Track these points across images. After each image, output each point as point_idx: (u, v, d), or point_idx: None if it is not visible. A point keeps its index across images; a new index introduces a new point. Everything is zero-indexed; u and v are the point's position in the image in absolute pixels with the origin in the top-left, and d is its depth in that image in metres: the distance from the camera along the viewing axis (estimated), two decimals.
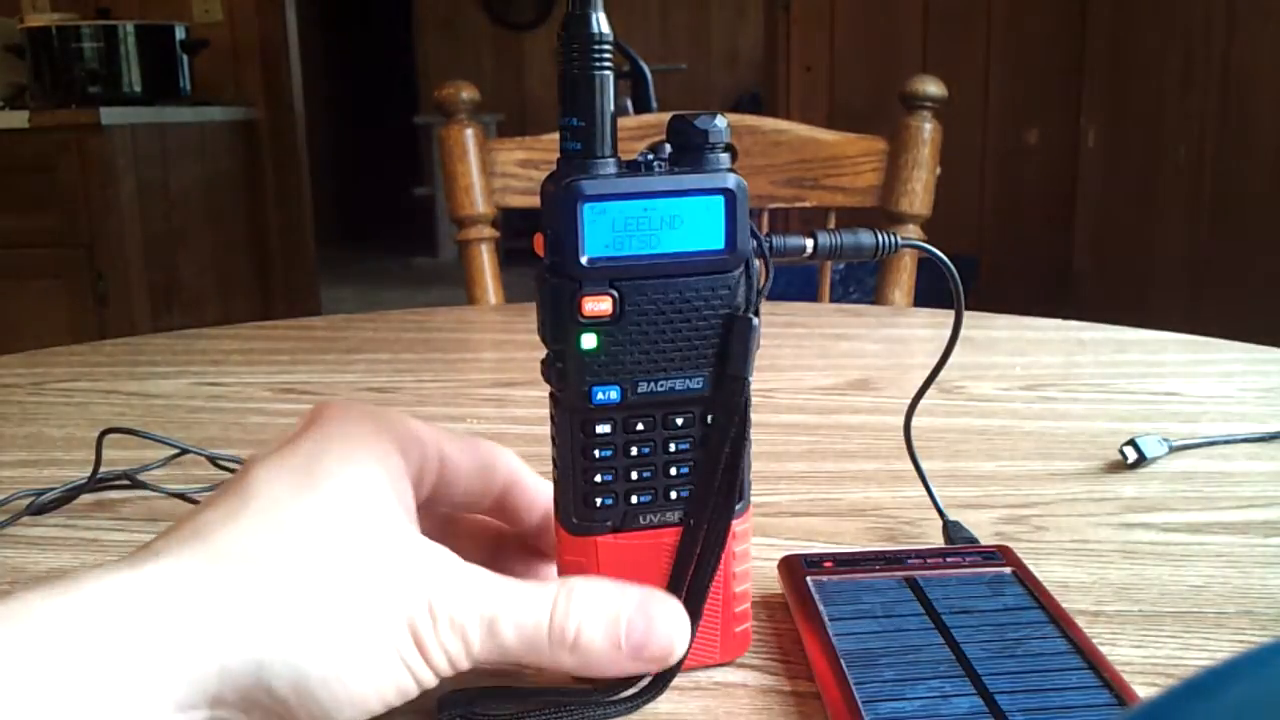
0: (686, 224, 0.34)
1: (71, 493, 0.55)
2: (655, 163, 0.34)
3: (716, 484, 0.35)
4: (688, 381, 0.35)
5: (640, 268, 0.34)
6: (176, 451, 0.61)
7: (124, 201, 2.72)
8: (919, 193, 1.15)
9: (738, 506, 0.36)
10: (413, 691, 0.31)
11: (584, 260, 0.33)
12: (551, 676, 0.35)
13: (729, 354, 0.34)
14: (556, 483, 0.36)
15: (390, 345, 0.93)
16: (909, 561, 0.41)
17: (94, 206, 2.67)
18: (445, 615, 0.30)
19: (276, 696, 0.28)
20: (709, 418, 0.35)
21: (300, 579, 0.29)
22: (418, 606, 0.30)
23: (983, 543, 0.46)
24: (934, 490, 0.49)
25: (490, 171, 1.18)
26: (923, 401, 0.47)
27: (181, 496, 0.55)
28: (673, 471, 0.35)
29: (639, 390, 0.34)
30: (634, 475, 0.35)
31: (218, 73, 3.16)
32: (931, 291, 0.44)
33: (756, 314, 0.35)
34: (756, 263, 0.35)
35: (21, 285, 2.70)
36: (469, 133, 1.17)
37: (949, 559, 0.41)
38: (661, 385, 0.34)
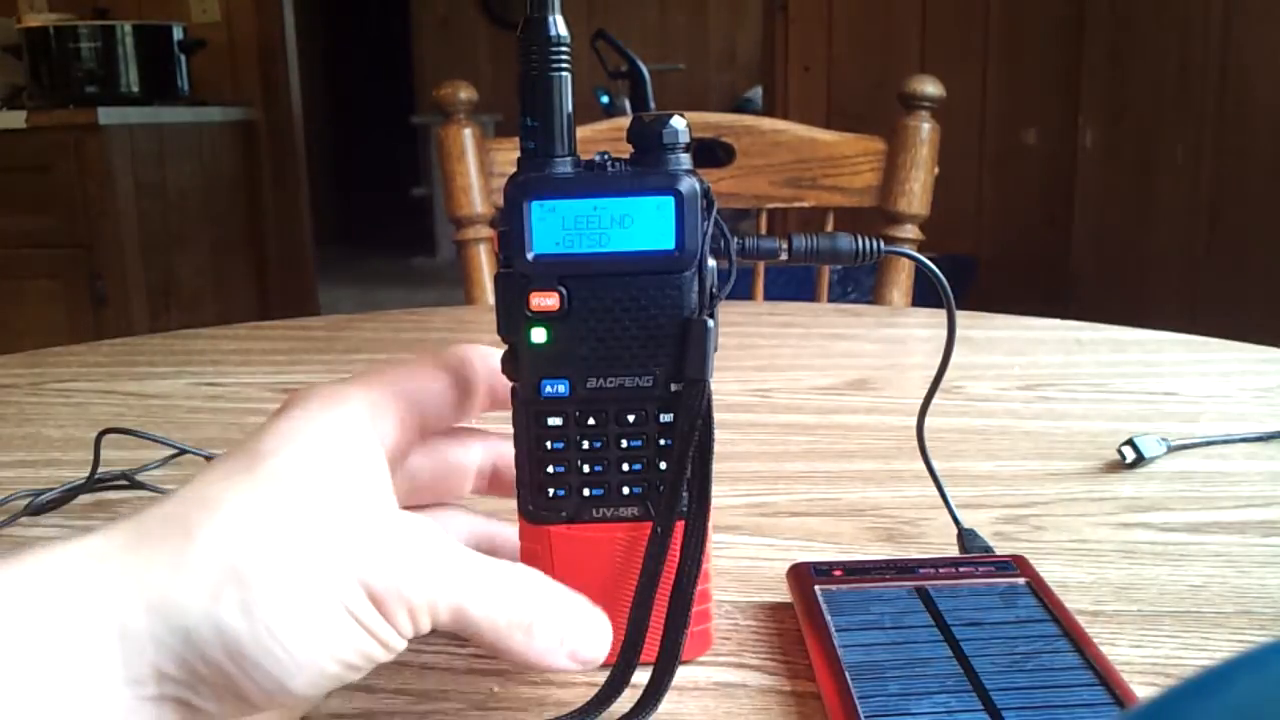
0: (636, 223, 0.34)
1: (70, 493, 0.55)
2: (610, 162, 0.34)
3: (684, 486, 0.35)
4: (639, 380, 0.35)
5: (589, 265, 0.34)
6: (175, 452, 0.61)
7: (122, 202, 2.72)
8: (917, 193, 1.15)
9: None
10: (379, 654, 0.29)
11: (530, 256, 0.34)
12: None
13: (686, 357, 0.35)
14: (517, 472, 0.36)
15: (388, 345, 0.93)
16: (920, 571, 0.40)
17: (92, 207, 2.67)
18: (403, 592, 0.29)
19: (212, 663, 0.27)
20: (662, 417, 0.35)
21: (224, 544, 0.28)
22: (373, 574, 0.29)
23: (992, 549, 0.45)
24: (945, 495, 0.49)
25: (488, 171, 1.18)
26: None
27: None
28: (625, 467, 0.36)
29: (588, 385, 0.35)
30: (586, 469, 0.36)
31: (215, 73, 3.15)
32: (930, 291, 0.44)
33: (712, 316, 0.35)
34: (712, 263, 0.35)
35: (19, 286, 2.70)
36: (467, 132, 1.17)
37: (961, 569, 0.40)
38: (612, 382, 0.35)
